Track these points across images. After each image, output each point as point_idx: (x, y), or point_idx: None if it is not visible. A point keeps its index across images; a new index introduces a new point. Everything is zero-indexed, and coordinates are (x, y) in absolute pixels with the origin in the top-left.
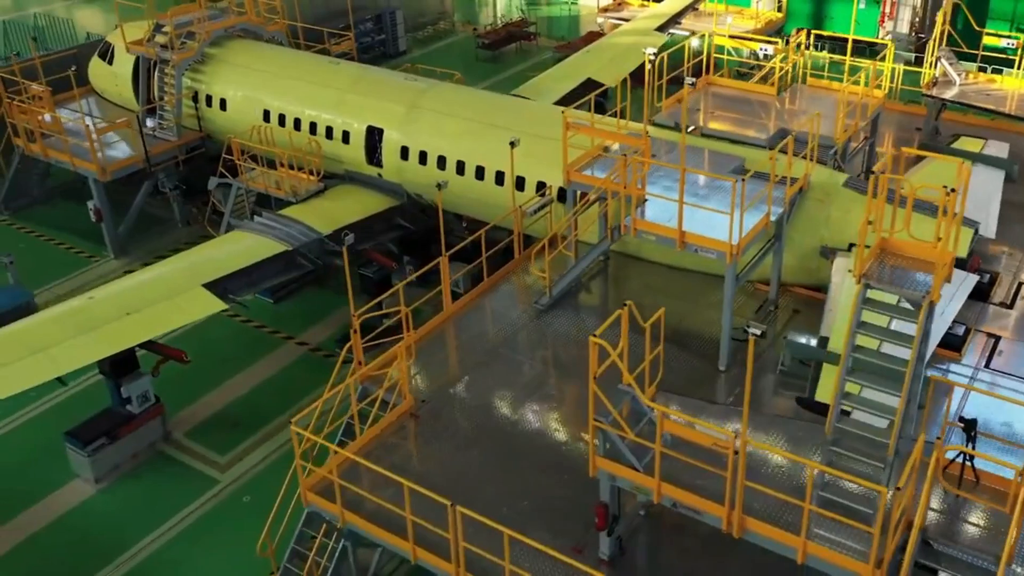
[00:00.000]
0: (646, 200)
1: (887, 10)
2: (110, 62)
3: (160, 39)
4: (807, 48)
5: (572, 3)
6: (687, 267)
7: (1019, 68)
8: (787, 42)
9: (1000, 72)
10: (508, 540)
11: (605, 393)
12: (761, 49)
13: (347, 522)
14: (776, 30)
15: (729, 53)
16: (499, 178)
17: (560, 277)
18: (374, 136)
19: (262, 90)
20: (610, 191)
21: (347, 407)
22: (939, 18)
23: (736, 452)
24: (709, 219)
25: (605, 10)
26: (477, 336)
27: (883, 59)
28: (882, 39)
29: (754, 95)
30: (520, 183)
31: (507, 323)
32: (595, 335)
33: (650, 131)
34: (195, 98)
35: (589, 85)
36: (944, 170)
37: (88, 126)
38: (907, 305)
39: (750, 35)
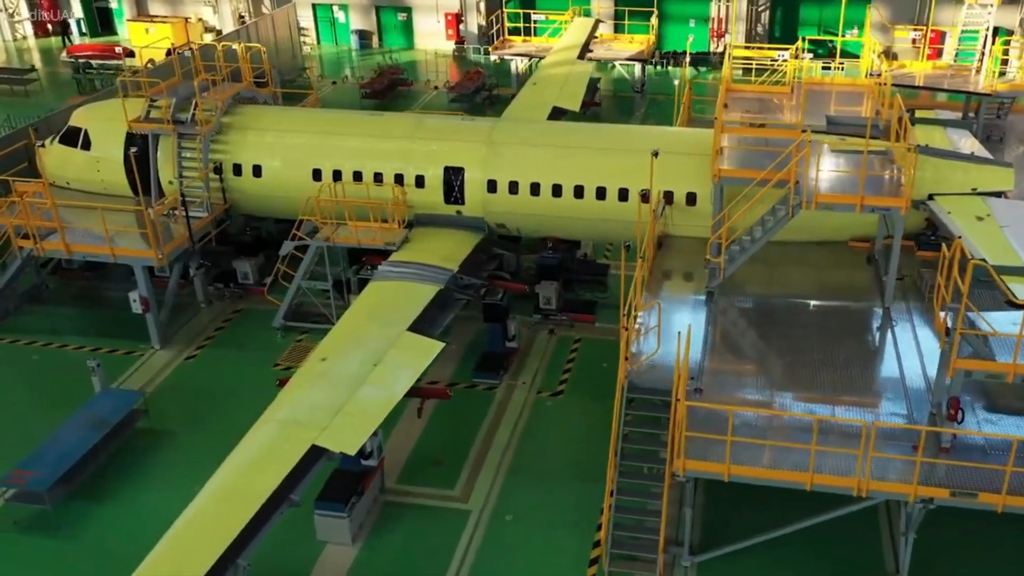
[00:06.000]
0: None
1: (715, 27)
2: (85, 147)
3: (155, 114)
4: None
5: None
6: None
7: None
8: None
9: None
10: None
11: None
12: (780, 55)
13: (733, 474)
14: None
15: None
16: (600, 193)
17: (730, 260)
18: (451, 176)
19: (307, 151)
20: (793, 177)
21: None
22: (866, 25)
23: None
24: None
25: (496, 48)
26: (674, 322)
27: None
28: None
29: (771, 94)
30: (624, 194)
31: (690, 306)
32: (976, 259)
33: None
34: (217, 169)
35: (556, 111)
36: (926, 134)
37: (148, 212)
38: None
39: (763, 46)
